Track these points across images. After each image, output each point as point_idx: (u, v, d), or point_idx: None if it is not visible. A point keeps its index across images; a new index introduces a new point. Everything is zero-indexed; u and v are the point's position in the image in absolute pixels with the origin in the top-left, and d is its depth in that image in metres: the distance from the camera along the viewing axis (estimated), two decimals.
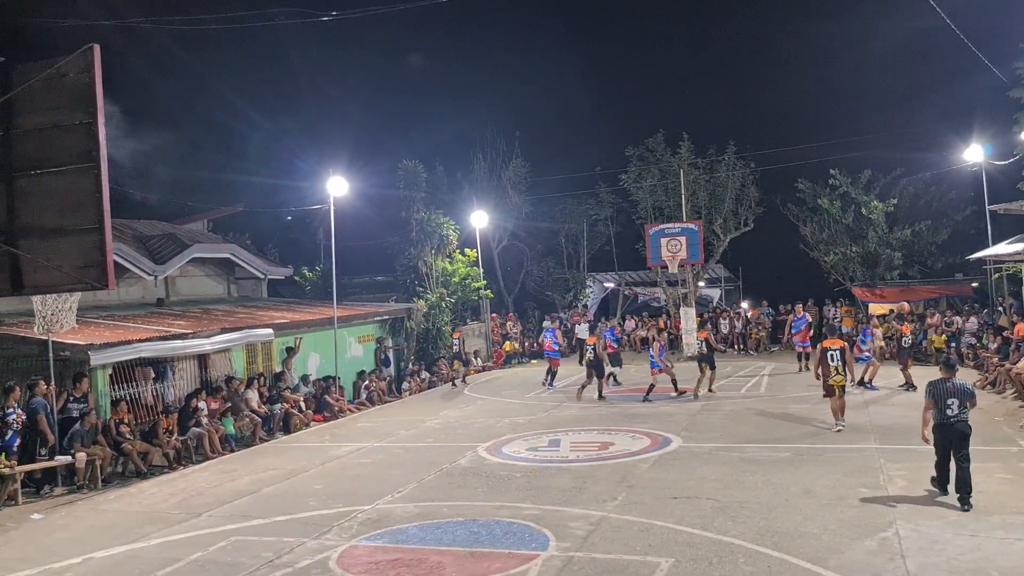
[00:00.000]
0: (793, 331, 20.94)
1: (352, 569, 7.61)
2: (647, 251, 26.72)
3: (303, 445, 14.54)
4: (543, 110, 45.73)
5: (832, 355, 12.79)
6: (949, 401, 8.72)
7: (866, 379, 17.12)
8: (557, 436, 13.66)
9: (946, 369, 9.12)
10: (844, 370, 12.78)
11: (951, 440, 8.71)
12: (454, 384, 21.36)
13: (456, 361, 22.18)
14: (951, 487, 8.73)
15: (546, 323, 29.66)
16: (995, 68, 17.89)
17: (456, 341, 23.67)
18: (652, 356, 17.39)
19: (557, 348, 20.85)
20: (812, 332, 20.59)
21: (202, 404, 14.25)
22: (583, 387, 17.70)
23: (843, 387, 12.83)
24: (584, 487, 10.12)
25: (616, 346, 22.97)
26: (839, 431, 12.62)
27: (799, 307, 21.48)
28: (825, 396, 13.34)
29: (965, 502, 8.51)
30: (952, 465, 8.72)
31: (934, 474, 9.09)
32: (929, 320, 22.49)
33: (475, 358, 25.42)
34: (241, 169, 30.19)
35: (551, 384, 19.96)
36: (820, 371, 13.04)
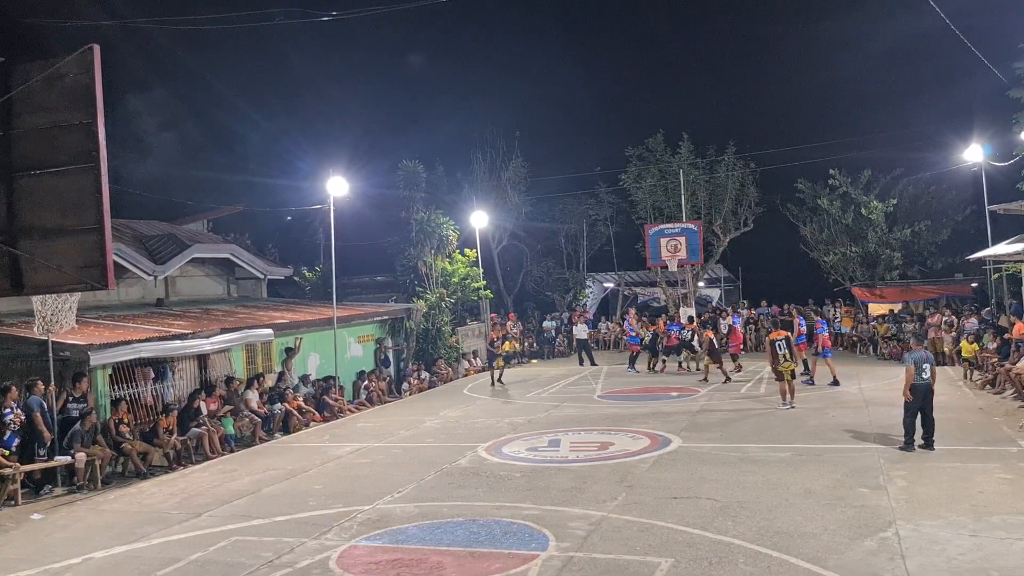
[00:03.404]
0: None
1: (352, 569, 7.61)
2: (647, 251, 26.73)
3: (303, 445, 14.54)
4: (543, 110, 45.75)
5: (779, 344, 14.93)
6: (924, 366, 11.18)
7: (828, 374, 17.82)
8: (557, 436, 13.66)
9: (917, 341, 12.44)
10: (791, 357, 15.08)
11: (924, 396, 11.10)
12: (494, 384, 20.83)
13: (499, 360, 21.30)
14: (919, 441, 11.09)
15: (567, 322, 29.59)
16: (995, 68, 17.90)
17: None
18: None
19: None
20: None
21: (202, 405, 14.25)
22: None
23: (792, 372, 15.07)
24: (584, 487, 10.12)
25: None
26: (791, 408, 14.65)
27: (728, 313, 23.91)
28: (777, 380, 15.30)
29: (931, 443, 11.05)
30: (919, 418, 11.11)
31: (901, 445, 11.17)
32: (929, 320, 22.48)
33: (475, 358, 25.41)
34: (241, 169, 30.22)
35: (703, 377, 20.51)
36: (770, 360, 15.15)
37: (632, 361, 22.56)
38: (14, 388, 11.71)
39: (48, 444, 11.78)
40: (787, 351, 14.89)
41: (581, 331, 25.60)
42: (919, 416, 11.18)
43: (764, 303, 28.78)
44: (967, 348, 18.54)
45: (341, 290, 21.49)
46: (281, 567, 7.72)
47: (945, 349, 20.91)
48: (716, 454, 11.63)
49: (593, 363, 24.29)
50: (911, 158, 28.36)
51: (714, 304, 33.76)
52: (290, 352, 17.96)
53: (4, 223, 5.85)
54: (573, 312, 30.05)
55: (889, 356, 22.67)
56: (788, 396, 14.90)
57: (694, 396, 17.32)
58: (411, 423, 15.94)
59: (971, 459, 10.51)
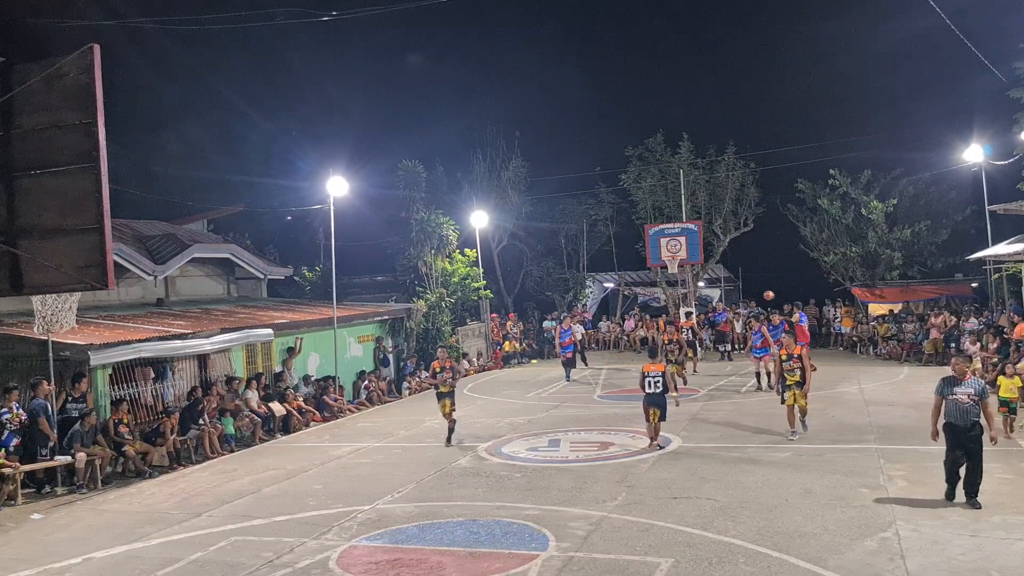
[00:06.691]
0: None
1: (352, 569, 7.61)
2: (647, 251, 26.72)
3: (303, 445, 14.54)
4: (543, 110, 45.71)
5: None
6: None
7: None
8: (557, 436, 13.66)
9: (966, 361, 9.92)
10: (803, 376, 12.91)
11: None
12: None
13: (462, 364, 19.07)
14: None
15: (547, 323, 29.70)
16: (995, 68, 17.92)
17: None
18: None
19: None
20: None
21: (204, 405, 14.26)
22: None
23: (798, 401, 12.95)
24: (584, 487, 10.12)
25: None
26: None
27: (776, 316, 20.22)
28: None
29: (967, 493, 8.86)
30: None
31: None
32: (933, 320, 22.46)
33: (475, 358, 25.41)
34: (241, 169, 30.14)
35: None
36: (779, 374, 12.95)
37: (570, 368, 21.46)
38: (16, 391, 11.70)
39: (50, 446, 11.76)
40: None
41: (577, 331, 25.47)
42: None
43: (753, 304, 28.71)
44: (1007, 385, 12.45)
45: (341, 290, 21.49)
46: (281, 567, 7.72)
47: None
48: (716, 454, 11.63)
49: (585, 363, 23.84)
50: (911, 158, 28.39)
51: (714, 304, 33.72)
52: (290, 352, 17.97)
53: (4, 223, 5.85)
54: (573, 312, 30.07)
55: (889, 356, 22.66)
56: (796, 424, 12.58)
57: (694, 396, 17.31)
58: (411, 423, 15.94)
59: None
